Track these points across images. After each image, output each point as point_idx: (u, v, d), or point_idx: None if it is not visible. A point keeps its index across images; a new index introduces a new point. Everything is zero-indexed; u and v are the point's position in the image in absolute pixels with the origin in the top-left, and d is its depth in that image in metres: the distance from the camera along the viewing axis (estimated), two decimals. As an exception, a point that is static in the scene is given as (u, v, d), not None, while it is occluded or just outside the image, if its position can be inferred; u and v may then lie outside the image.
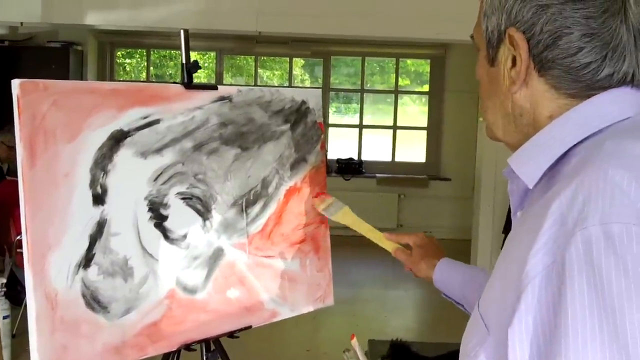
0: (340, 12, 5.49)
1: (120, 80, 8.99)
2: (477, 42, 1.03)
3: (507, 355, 0.79)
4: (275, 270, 1.91)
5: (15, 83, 1.40)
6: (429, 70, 9.04)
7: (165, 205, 1.67)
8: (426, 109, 9.06)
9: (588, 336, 0.72)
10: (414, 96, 9.55)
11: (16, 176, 1.43)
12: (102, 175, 1.54)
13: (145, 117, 1.62)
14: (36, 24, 5.77)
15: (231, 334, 1.83)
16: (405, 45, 8.58)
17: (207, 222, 1.75)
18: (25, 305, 1.46)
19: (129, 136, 1.59)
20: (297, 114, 1.97)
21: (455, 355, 0.95)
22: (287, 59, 9.19)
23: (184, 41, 1.77)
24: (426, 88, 9.13)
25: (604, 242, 0.73)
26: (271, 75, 9.66)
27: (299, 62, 9.42)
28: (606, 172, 0.77)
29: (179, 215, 1.69)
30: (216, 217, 1.77)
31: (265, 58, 9.40)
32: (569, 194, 0.78)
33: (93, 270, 1.53)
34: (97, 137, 1.53)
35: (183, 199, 1.70)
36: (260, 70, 9.33)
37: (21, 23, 5.70)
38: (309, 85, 9.36)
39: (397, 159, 9.08)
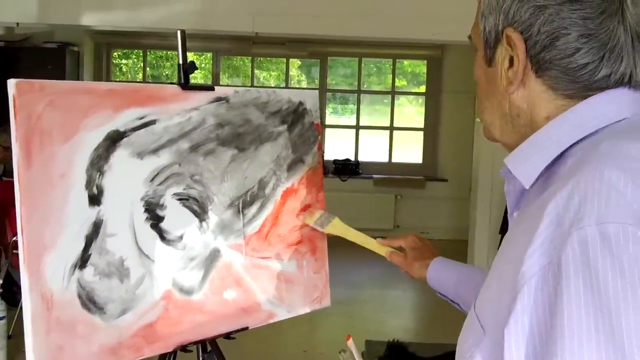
0: (337, 13, 5.49)
1: (116, 81, 8.98)
2: (475, 42, 1.03)
3: (503, 356, 0.79)
4: (272, 272, 1.91)
5: (11, 83, 1.40)
6: (425, 71, 9.05)
7: (162, 206, 1.66)
8: (423, 109, 9.07)
9: (584, 337, 0.72)
10: (411, 97, 9.55)
11: (12, 177, 1.42)
12: (98, 175, 1.54)
13: (141, 118, 1.62)
14: (32, 24, 5.76)
15: (228, 335, 1.82)
16: (402, 46, 8.59)
17: (204, 223, 1.75)
18: (22, 307, 1.45)
19: (125, 137, 1.59)
20: (294, 115, 1.96)
21: (452, 355, 0.95)
22: (284, 59, 9.19)
23: (180, 42, 1.77)
24: (423, 89, 9.13)
25: (600, 243, 0.73)
26: (268, 76, 9.66)
27: (295, 62, 9.42)
28: (602, 173, 0.77)
29: (175, 216, 1.69)
30: (213, 218, 1.77)
31: (261, 59, 9.39)
32: (565, 195, 0.78)
33: (89, 270, 1.53)
34: (93, 137, 1.53)
35: (179, 199, 1.70)
36: (257, 71, 9.33)
37: (17, 23, 5.69)
38: (305, 86, 9.36)
39: (393, 160, 9.08)
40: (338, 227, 1.91)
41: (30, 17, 5.49)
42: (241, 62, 9.47)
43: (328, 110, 9.30)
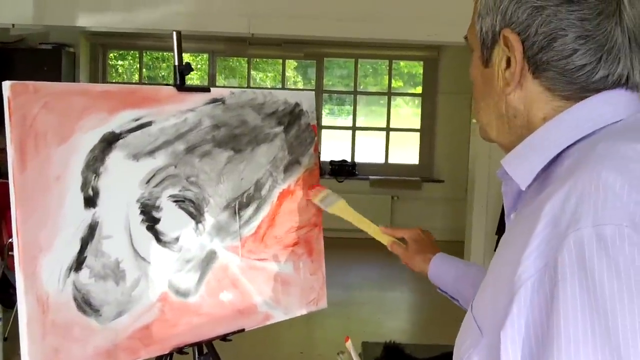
0: (333, 14, 5.49)
1: (112, 82, 8.97)
2: (472, 43, 1.03)
3: (500, 358, 0.79)
4: (268, 273, 1.91)
5: (6, 85, 1.39)
6: (422, 72, 9.06)
7: (158, 208, 1.66)
8: (419, 110, 9.08)
9: (580, 339, 0.72)
10: (407, 98, 9.56)
11: (7, 179, 1.42)
12: (93, 177, 1.53)
13: (137, 120, 1.61)
14: (28, 25, 5.75)
15: (224, 337, 1.82)
16: (398, 47, 8.60)
17: (200, 225, 1.75)
18: (17, 309, 1.45)
19: (121, 138, 1.58)
20: (291, 116, 1.96)
21: (449, 357, 0.95)
22: (280, 60, 9.19)
23: (176, 43, 1.76)
24: (419, 90, 9.14)
25: (596, 244, 0.73)
26: (264, 77, 9.66)
27: (291, 63, 9.42)
28: (599, 174, 0.77)
29: (171, 218, 1.69)
30: (209, 219, 1.77)
31: (258, 60, 9.39)
32: (562, 196, 0.78)
33: (85, 273, 1.52)
34: (89, 139, 1.52)
35: (175, 201, 1.69)
36: (253, 72, 9.33)
37: (13, 25, 5.68)
38: (301, 87, 9.37)
39: (390, 161, 9.09)
40: (342, 209, 1.89)
41: (25, 18, 5.48)
42: (237, 63, 9.47)
43: (324, 112, 9.30)
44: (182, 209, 1.71)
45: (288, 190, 1.95)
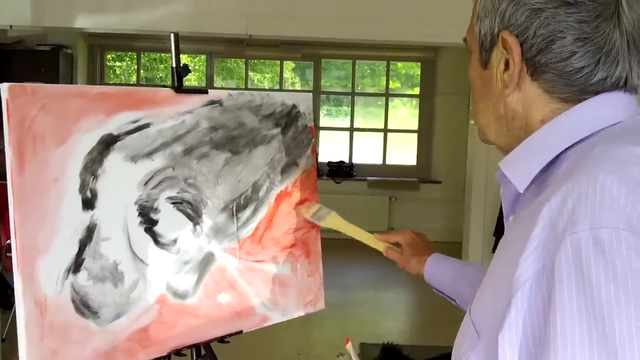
0: (331, 15, 5.49)
1: (110, 84, 8.97)
2: (470, 45, 1.03)
3: (498, 360, 0.79)
4: (266, 275, 1.91)
5: (4, 87, 1.39)
6: (419, 73, 9.06)
7: (156, 210, 1.66)
8: (417, 111, 9.08)
9: (577, 342, 0.72)
10: (405, 99, 9.56)
11: (5, 180, 1.42)
12: (91, 179, 1.53)
13: (135, 121, 1.61)
14: (26, 27, 5.74)
15: (222, 339, 1.82)
16: (396, 48, 8.60)
17: (198, 227, 1.75)
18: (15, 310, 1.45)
19: (119, 140, 1.58)
20: (288, 118, 1.96)
21: (447, 358, 0.95)
22: (278, 62, 9.19)
23: (174, 45, 1.76)
24: (417, 91, 9.14)
25: (593, 247, 0.73)
26: (262, 78, 9.66)
27: (289, 65, 9.42)
28: (596, 177, 0.77)
29: (169, 219, 1.69)
30: (207, 221, 1.77)
31: (255, 61, 9.39)
32: (559, 199, 0.79)
33: (83, 275, 1.52)
34: (87, 141, 1.52)
35: (173, 203, 1.69)
36: (250, 73, 9.33)
37: (10, 26, 5.68)
38: (299, 88, 9.37)
39: (388, 162, 9.09)
40: (335, 221, 1.90)
41: (23, 20, 5.48)
42: (235, 65, 9.47)
43: (322, 113, 9.31)
44: (180, 210, 1.71)
45: (285, 192, 1.95)
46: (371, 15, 5.49)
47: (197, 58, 9.09)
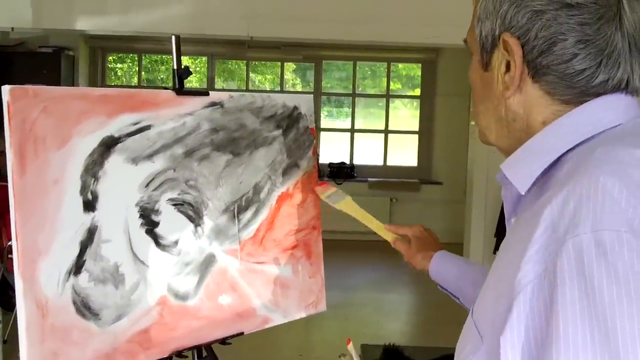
0: (332, 17, 5.49)
1: (111, 86, 8.98)
2: (471, 46, 1.03)
3: (500, 363, 0.79)
4: (267, 276, 1.91)
5: (5, 89, 1.39)
6: (420, 74, 9.06)
7: (157, 212, 1.66)
8: (417, 112, 9.09)
9: (579, 344, 0.72)
10: (406, 100, 9.57)
11: (7, 181, 1.42)
12: (92, 181, 1.53)
13: (136, 123, 1.61)
14: (27, 29, 5.75)
15: (223, 341, 1.82)
16: (397, 50, 8.60)
17: (199, 229, 1.75)
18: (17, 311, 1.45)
19: (120, 142, 1.58)
20: (289, 120, 1.96)
21: (448, 359, 0.95)
22: (279, 63, 9.19)
23: (175, 47, 1.76)
24: (417, 92, 9.15)
25: (594, 250, 0.73)
26: (263, 79, 9.66)
27: (290, 66, 9.42)
28: (597, 179, 0.77)
29: (170, 221, 1.69)
30: (208, 223, 1.77)
31: (256, 62, 9.40)
32: (561, 201, 0.78)
33: (84, 276, 1.52)
34: (88, 143, 1.52)
35: (174, 205, 1.69)
36: (251, 75, 9.33)
37: (12, 28, 5.68)
38: (300, 90, 9.37)
39: (388, 163, 9.10)
40: (349, 206, 1.92)
41: (24, 22, 5.48)
42: (236, 66, 9.48)
43: (323, 114, 9.31)
44: (181, 212, 1.71)
45: (287, 193, 1.95)
46: (372, 16, 5.49)
47: (198, 60, 9.10)
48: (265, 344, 4.68)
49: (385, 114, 9.08)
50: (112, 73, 9.35)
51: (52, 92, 1.47)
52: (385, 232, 1.83)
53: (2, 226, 4.79)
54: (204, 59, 9.04)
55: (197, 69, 9.06)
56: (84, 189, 1.51)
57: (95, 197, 1.54)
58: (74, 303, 1.51)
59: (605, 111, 0.89)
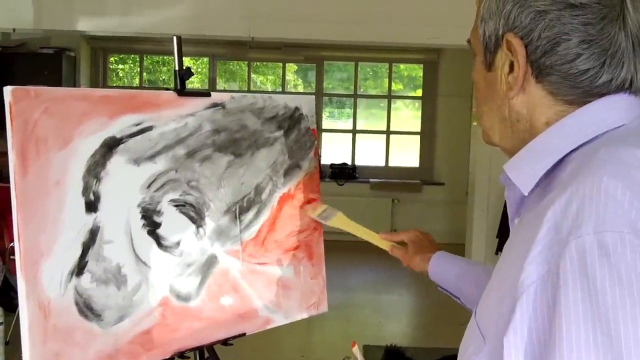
0: (333, 18, 5.49)
1: (113, 86, 8.99)
2: (474, 46, 1.02)
3: (504, 364, 0.79)
4: (269, 277, 1.91)
5: (7, 90, 1.39)
6: (422, 75, 9.06)
7: (159, 213, 1.66)
8: (419, 113, 9.08)
9: (582, 346, 0.72)
10: (407, 101, 9.56)
11: (8, 182, 1.42)
12: (94, 182, 1.53)
13: (137, 124, 1.61)
14: (28, 30, 5.75)
15: (225, 342, 1.82)
16: (398, 50, 8.60)
17: (201, 229, 1.75)
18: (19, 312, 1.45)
19: (122, 143, 1.58)
20: (291, 121, 1.96)
21: (449, 360, 0.95)
22: (280, 64, 9.19)
23: (176, 48, 1.76)
24: (419, 93, 9.14)
25: (597, 251, 0.73)
26: (264, 80, 9.66)
27: (292, 67, 9.42)
28: (600, 181, 0.77)
29: (172, 222, 1.69)
30: (209, 224, 1.77)
31: (258, 63, 9.40)
32: (564, 202, 0.78)
33: (86, 277, 1.52)
34: (89, 144, 1.52)
35: (176, 206, 1.69)
36: (253, 76, 9.34)
37: (13, 29, 5.68)
38: (302, 90, 9.37)
39: (390, 164, 9.09)
40: (341, 221, 1.92)
41: (26, 23, 5.48)
42: (237, 67, 9.48)
43: (324, 115, 9.31)
44: (183, 213, 1.71)
45: (288, 194, 1.95)
46: (373, 17, 5.49)
47: (200, 60, 9.10)
48: (267, 345, 4.68)
49: (386, 115, 9.08)
50: (114, 74, 9.35)
51: (53, 93, 1.47)
52: (380, 242, 1.83)
53: (4, 227, 4.79)
54: (206, 59, 9.04)
55: (199, 69, 9.06)
56: (86, 190, 1.51)
57: (97, 198, 1.54)
58: (76, 304, 1.51)
59: (608, 111, 0.89)
